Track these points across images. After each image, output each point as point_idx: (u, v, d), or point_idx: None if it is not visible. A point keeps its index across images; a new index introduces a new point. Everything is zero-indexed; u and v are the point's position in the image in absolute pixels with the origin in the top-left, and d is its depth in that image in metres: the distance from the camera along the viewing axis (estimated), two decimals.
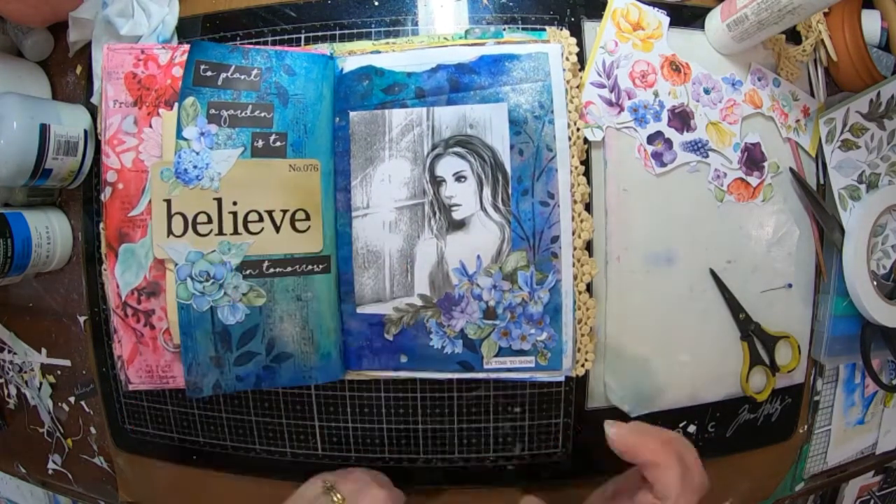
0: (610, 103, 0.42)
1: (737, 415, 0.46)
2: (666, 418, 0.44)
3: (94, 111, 0.46)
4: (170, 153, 0.38)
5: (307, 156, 0.39)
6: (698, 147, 0.43)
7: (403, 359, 0.41)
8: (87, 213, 0.47)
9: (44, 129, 0.41)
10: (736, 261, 0.45)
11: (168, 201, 0.38)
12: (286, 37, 0.43)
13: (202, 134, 0.38)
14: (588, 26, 0.43)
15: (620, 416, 0.43)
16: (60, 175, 0.43)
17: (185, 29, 0.44)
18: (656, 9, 0.43)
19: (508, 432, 0.44)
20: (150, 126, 0.40)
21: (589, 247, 0.42)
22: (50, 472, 0.54)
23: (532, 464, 0.45)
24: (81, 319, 0.48)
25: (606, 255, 0.43)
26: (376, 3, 0.43)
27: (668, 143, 0.43)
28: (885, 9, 0.48)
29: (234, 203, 0.39)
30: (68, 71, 0.47)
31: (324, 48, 0.42)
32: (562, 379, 0.41)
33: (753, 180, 0.44)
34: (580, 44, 0.43)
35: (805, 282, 0.46)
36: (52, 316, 0.50)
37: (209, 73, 0.39)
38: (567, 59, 0.41)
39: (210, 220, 0.38)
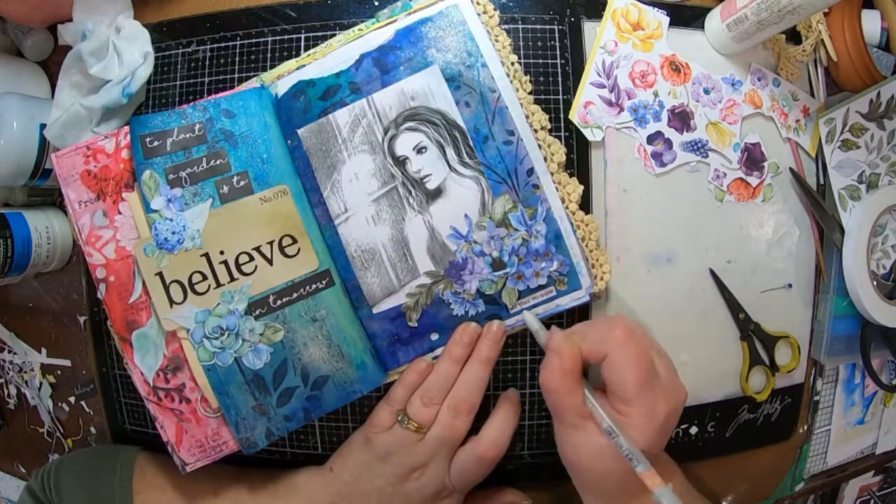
0: (610, 103, 0.43)
1: (736, 415, 0.46)
2: None
3: None
4: (146, 230, 0.39)
5: (273, 184, 0.40)
6: (698, 147, 0.43)
7: (434, 336, 0.41)
8: None
9: (44, 129, 0.41)
10: (736, 261, 0.45)
11: (160, 274, 0.39)
12: (286, 37, 0.43)
13: (169, 200, 0.39)
14: (588, 26, 0.43)
15: None
16: None
17: (186, 29, 0.44)
18: (656, 9, 0.43)
19: None
20: (120, 213, 0.40)
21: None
22: None
23: (532, 464, 0.45)
24: (81, 319, 0.48)
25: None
26: (376, 3, 0.43)
27: (668, 143, 0.43)
28: (885, 9, 0.48)
29: (222, 252, 0.39)
30: None
31: (253, 82, 0.42)
32: (587, 298, 0.41)
33: (753, 180, 0.44)
34: (580, 43, 0.43)
35: (805, 282, 0.46)
36: (52, 316, 0.50)
37: (156, 143, 0.40)
38: (478, 3, 0.41)
39: (205, 277, 0.39)
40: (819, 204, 0.45)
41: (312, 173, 0.41)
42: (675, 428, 0.45)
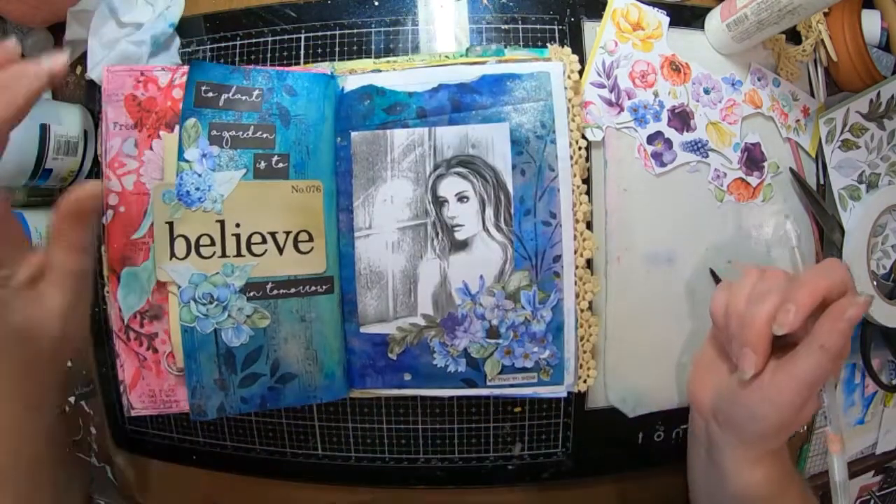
0: (610, 103, 0.43)
1: None
2: (666, 418, 0.44)
3: (93, 111, 0.46)
4: (171, 175, 0.38)
5: (309, 177, 0.39)
6: (698, 147, 0.43)
7: (407, 377, 0.41)
8: None
9: (44, 129, 0.41)
10: (736, 261, 0.45)
11: (170, 224, 0.38)
12: (286, 37, 0.43)
13: (204, 155, 0.38)
14: (588, 26, 0.43)
15: (620, 415, 0.43)
16: (60, 175, 0.43)
17: (186, 28, 0.44)
18: (656, 9, 0.44)
19: (508, 432, 0.44)
20: (151, 148, 0.39)
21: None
22: None
23: (532, 464, 0.45)
24: None
25: (606, 255, 0.43)
26: (376, 3, 0.43)
27: (668, 143, 0.43)
28: (885, 9, 0.48)
29: (237, 225, 0.38)
30: (68, 71, 0.47)
31: (325, 67, 0.42)
32: (563, 394, 0.41)
33: (753, 180, 0.44)
34: (580, 43, 0.43)
35: None
36: None
37: (210, 94, 0.39)
38: (569, 77, 0.41)
39: (213, 243, 0.38)
40: (819, 204, 0.45)
41: (351, 179, 0.41)
42: (675, 428, 0.45)
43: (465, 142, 0.40)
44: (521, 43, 0.43)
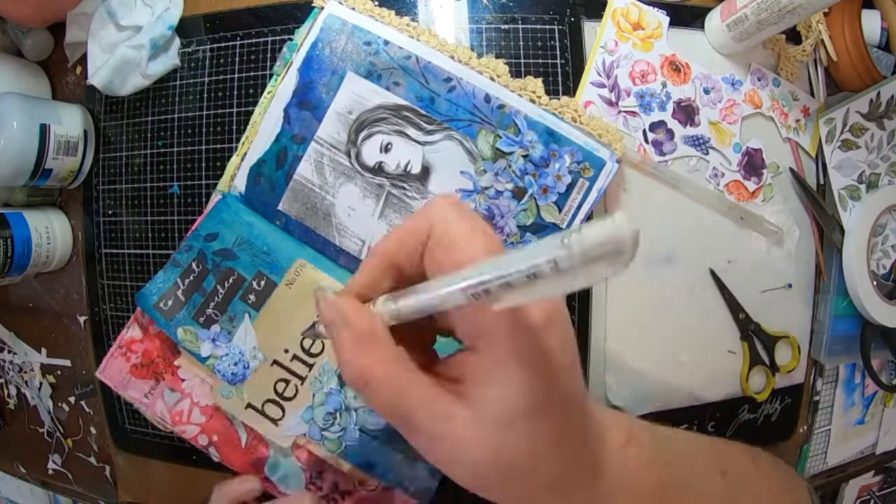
0: (610, 103, 0.42)
1: (736, 415, 0.46)
2: (666, 418, 0.44)
3: (94, 111, 0.46)
4: (210, 376, 0.40)
5: (287, 265, 0.40)
6: (700, 143, 0.43)
7: None
8: (87, 213, 0.47)
9: (44, 129, 0.41)
10: (736, 261, 0.45)
11: (250, 405, 0.39)
12: (286, 37, 0.43)
13: (213, 339, 0.40)
14: (588, 26, 0.43)
15: None
16: (60, 175, 0.43)
17: (187, 28, 0.44)
18: (656, 9, 0.43)
19: None
20: (183, 379, 0.41)
21: None
22: (50, 472, 0.54)
23: None
24: (81, 319, 0.48)
25: None
26: (376, 3, 0.43)
27: (670, 133, 0.43)
28: (885, 9, 0.48)
29: (286, 351, 0.39)
30: (68, 71, 0.47)
31: (215, 196, 0.42)
32: (616, 164, 0.40)
33: (751, 185, 0.44)
34: (580, 43, 0.43)
35: (805, 282, 0.46)
36: (52, 316, 0.50)
37: (170, 303, 0.40)
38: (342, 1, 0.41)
39: (288, 381, 0.40)
40: (819, 204, 0.45)
41: (315, 233, 0.41)
42: (676, 428, 0.45)
43: (343, 116, 0.40)
44: (522, 43, 0.42)
